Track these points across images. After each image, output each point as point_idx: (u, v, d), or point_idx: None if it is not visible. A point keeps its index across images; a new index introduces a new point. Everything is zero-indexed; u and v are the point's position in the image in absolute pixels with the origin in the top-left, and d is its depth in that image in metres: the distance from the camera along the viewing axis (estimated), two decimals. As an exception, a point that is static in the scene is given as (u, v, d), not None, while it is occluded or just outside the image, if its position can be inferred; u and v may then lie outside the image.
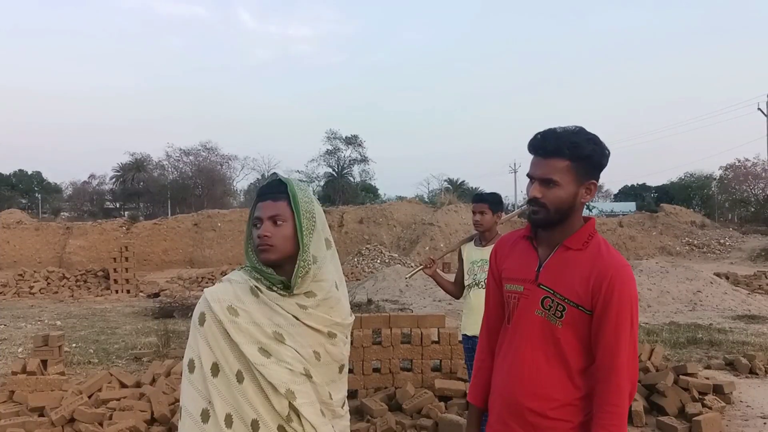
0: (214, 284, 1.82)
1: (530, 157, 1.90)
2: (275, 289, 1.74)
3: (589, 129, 1.89)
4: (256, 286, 1.74)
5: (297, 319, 1.73)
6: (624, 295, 1.78)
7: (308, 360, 1.74)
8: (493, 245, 4.11)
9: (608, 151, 1.87)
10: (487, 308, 2.15)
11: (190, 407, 1.67)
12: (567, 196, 1.83)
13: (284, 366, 1.69)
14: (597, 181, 1.87)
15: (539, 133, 1.88)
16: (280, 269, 1.74)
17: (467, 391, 2.20)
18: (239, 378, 1.67)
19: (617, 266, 1.81)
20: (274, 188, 1.77)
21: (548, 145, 1.84)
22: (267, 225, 1.72)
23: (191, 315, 1.81)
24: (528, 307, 1.90)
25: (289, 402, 1.69)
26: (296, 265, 1.72)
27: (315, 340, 1.76)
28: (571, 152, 1.81)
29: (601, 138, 1.88)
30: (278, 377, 1.68)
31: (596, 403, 1.81)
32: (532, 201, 1.87)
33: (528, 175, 1.90)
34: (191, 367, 1.68)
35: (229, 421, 1.64)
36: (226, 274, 1.96)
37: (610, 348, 1.77)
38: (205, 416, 1.65)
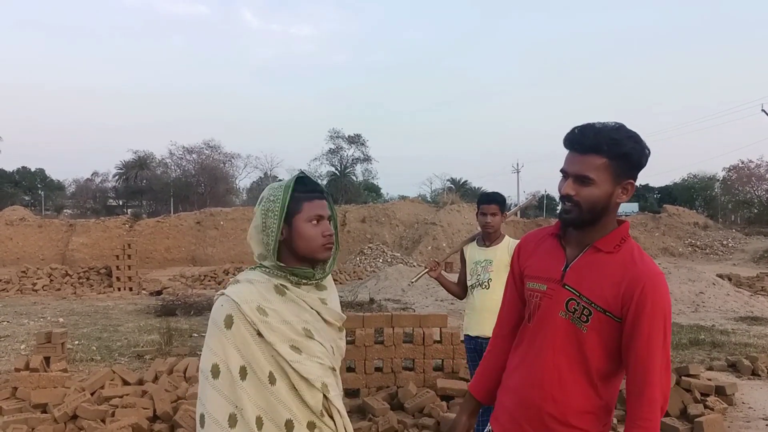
0: (224, 285, 1.83)
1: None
2: (303, 283, 1.78)
3: None
4: (281, 284, 1.75)
5: (319, 314, 1.79)
6: (657, 305, 1.69)
7: (330, 354, 1.80)
8: (497, 245, 4.14)
9: (649, 150, 1.78)
10: (503, 305, 2.10)
11: (215, 414, 1.61)
12: (602, 195, 1.75)
13: (316, 361, 1.73)
14: (635, 180, 1.78)
15: (577, 127, 1.79)
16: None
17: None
18: (271, 380, 1.65)
19: (651, 274, 1.72)
20: (318, 187, 1.83)
21: (586, 140, 1.75)
22: (328, 224, 1.81)
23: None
24: (551, 307, 1.83)
25: (324, 395, 1.72)
26: (331, 259, 1.85)
27: (330, 335, 1.83)
28: (609, 149, 1.72)
29: None
30: (314, 372, 1.71)
31: (628, 417, 1.74)
32: (564, 198, 1.78)
33: (562, 170, 1.81)
34: (215, 373, 1.62)
35: (260, 423, 1.63)
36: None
37: (643, 361, 1.69)
38: (233, 421, 1.61)
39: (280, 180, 1.91)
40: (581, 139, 1.76)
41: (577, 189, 1.75)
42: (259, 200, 1.82)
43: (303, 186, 1.79)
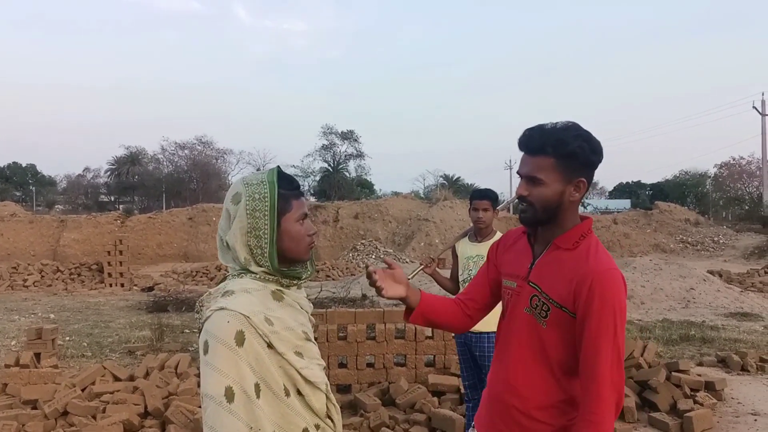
0: (216, 282, 1.72)
1: (521, 154, 1.88)
2: (293, 285, 1.71)
3: (583, 125, 1.83)
4: (278, 290, 1.66)
5: (307, 313, 1.76)
6: (606, 301, 1.70)
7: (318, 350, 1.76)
8: (489, 241, 4.15)
9: (600, 148, 1.81)
10: (471, 283, 2.14)
11: None
12: (553, 194, 1.78)
13: (315, 362, 1.69)
14: (588, 178, 1.81)
15: (527, 129, 1.83)
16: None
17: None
18: (286, 392, 1.58)
19: (601, 270, 1.74)
20: (297, 182, 1.73)
21: (533, 142, 1.80)
22: (310, 222, 1.72)
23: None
24: (519, 303, 1.89)
25: (326, 396, 1.70)
26: (312, 257, 1.77)
27: (310, 327, 1.78)
28: (555, 149, 1.76)
29: (596, 135, 1.83)
30: (319, 375, 1.67)
31: (579, 413, 1.76)
32: (520, 199, 1.85)
33: (517, 172, 1.88)
34: (230, 397, 1.47)
35: None
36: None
37: (591, 356, 1.71)
38: None
39: (253, 173, 1.73)
40: (529, 141, 1.81)
41: (529, 189, 1.80)
42: (233, 197, 1.65)
43: (284, 182, 1.67)
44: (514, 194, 2.07)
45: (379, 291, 1.85)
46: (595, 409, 1.70)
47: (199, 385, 1.60)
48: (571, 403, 1.81)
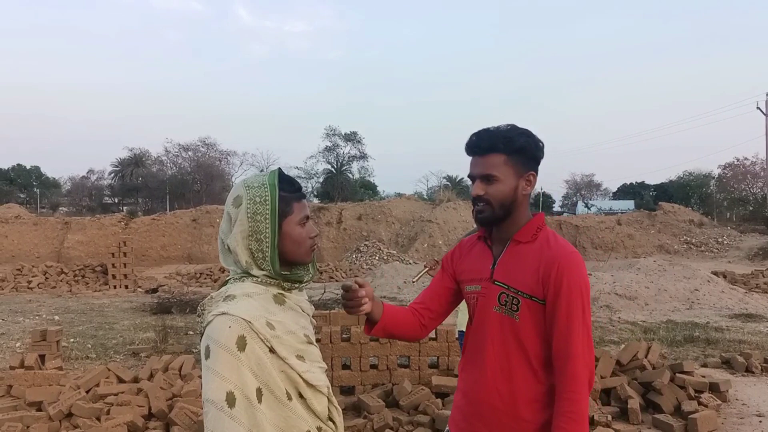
0: (219, 284, 1.69)
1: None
2: (295, 288, 1.70)
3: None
4: (279, 293, 1.65)
5: (309, 316, 1.75)
6: (573, 281, 1.80)
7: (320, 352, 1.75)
8: None
9: (542, 143, 1.92)
10: (426, 293, 2.13)
11: None
12: (508, 189, 1.87)
13: (317, 365, 1.68)
14: (536, 172, 1.92)
15: (473, 134, 1.92)
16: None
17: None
18: (288, 396, 1.58)
19: (565, 254, 1.83)
20: (299, 184, 1.71)
21: (483, 142, 1.88)
22: (312, 225, 1.71)
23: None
24: (487, 305, 1.92)
25: (328, 399, 1.69)
26: (314, 260, 1.76)
27: (312, 330, 1.77)
28: (505, 146, 1.86)
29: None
30: (321, 379, 1.67)
31: (556, 392, 1.81)
32: (476, 200, 1.91)
33: (469, 176, 1.94)
34: (231, 402, 1.47)
35: None
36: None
37: (564, 336, 1.79)
38: None
39: (254, 175, 1.71)
40: (479, 142, 1.89)
41: (485, 188, 1.88)
42: (234, 200, 1.64)
43: (285, 184, 1.66)
44: None
45: (354, 308, 1.83)
46: (573, 387, 1.77)
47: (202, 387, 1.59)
48: (550, 394, 1.84)
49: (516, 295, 1.85)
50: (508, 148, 1.86)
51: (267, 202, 1.61)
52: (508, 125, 1.91)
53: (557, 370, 1.81)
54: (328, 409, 1.70)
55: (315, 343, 1.74)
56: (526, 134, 1.89)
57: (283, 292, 1.66)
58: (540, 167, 1.95)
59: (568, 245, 1.89)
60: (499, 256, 1.93)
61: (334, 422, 1.72)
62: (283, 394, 1.56)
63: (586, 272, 1.86)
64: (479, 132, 1.91)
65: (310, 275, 1.74)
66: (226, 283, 1.68)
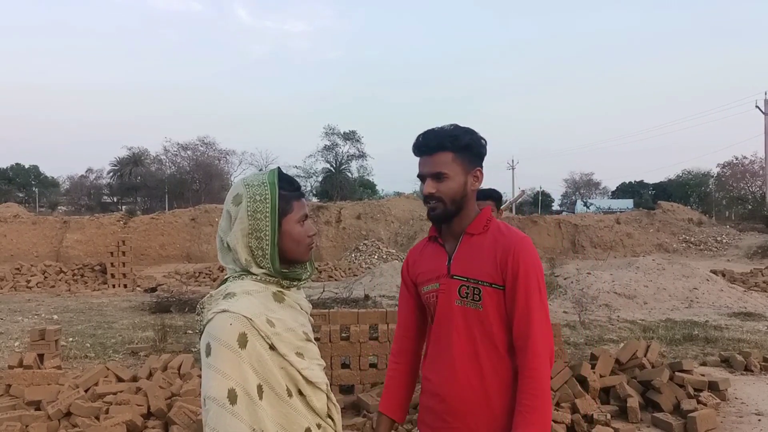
0: (218, 283, 1.64)
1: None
2: (293, 286, 1.71)
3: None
4: (279, 291, 1.66)
5: (307, 313, 1.76)
6: (529, 264, 1.89)
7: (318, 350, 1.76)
8: None
9: (485, 140, 2.00)
10: (399, 316, 2.18)
11: None
12: (458, 185, 1.94)
13: (316, 363, 1.69)
14: (481, 168, 2.00)
15: (420, 134, 1.99)
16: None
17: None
18: (288, 393, 1.59)
19: (519, 239, 1.93)
20: (298, 183, 1.74)
21: (431, 142, 1.95)
22: (311, 223, 1.73)
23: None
24: (447, 300, 1.96)
25: (327, 396, 1.70)
26: (311, 258, 1.77)
27: (310, 327, 1.78)
28: (452, 144, 1.92)
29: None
30: (320, 376, 1.68)
31: (519, 371, 1.87)
32: (427, 198, 1.96)
33: (419, 175, 2.00)
34: (233, 399, 1.47)
35: None
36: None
37: (525, 316, 1.86)
38: None
39: (253, 174, 1.72)
40: (427, 142, 1.96)
41: (436, 186, 1.94)
42: (234, 198, 1.65)
43: (284, 183, 1.68)
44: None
45: None
46: (533, 364, 1.84)
47: (202, 386, 1.58)
48: (516, 378, 1.91)
49: (477, 285, 1.91)
50: (455, 146, 1.93)
51: (267, 201, 1.62)
52: (452, 125, 1.98)
53: (519, 350, 1.88)
54: (327, 406, 1.71)
55: (313, 340, 1.74)
56: (470, 132, 1.97)
57: (282, 290, 1.67)
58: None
59: (520, 232, 1.98)
60: (454, 251, 1.99)
61: (332, 419, 1.73)
62: (283, 390, 1.57)
63: (538, 256, 1.96)
64: (426, 132, 1.98)
65: (308, 273, 1.76)
66: (225, 281, 1.68)
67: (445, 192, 1.93)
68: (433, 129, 1.98)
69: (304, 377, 1.62)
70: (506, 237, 1.93)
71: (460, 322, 1.93)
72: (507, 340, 1.91)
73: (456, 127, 1.97)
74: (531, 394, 1.81)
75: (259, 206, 1.62)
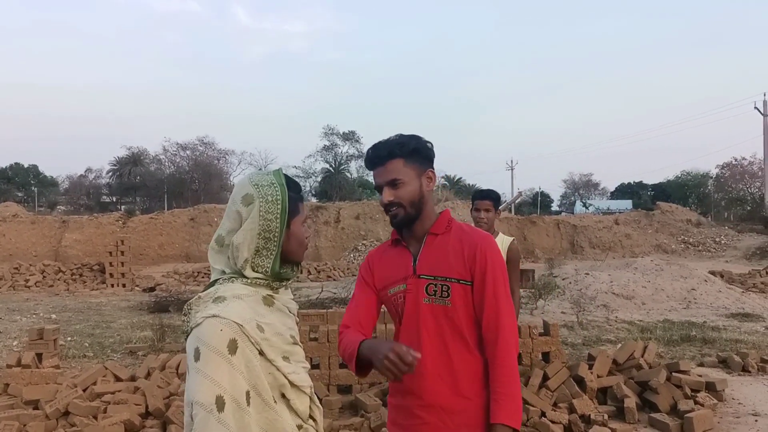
0: (212, 301, 1.58)
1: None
2: (282, 287, 1.72)
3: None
4: (269, 295, 1.66)
5: (294, 315, 1.76)
6: (495, 259, 2.00)
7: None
8: None
9: (431, 144, 2.11)
10: (355, 308, 2.12)
11: None
12: (414, 189, 2.03)
13: (301, 366, 1.70)
14: (433, 170, 2.10)
15: (369, 148, 2.09)
16: None
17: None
18: (275, 398, 1.59)
19: (483, 237, 2.04)
20: (299, 185, 1.77)
21: (381, 152, 2.04)
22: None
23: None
24: (415, 299, 2.02)
25: (310, 398, 1.71)
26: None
27: (296, 329, 1.78)
28: (401, 150, 2.02)
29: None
30: (306, 379, 1.69)
31: (489, 361, 1.96)
32: (388, 206, 2.03)
33: (376, 186, 2.08)
34: (220, 405, 1.47)
35: None
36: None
37: (494, 308, 1.96)
38: None
39: (257, 173, 1.71)
40: (377, 153, 2.05)
41: (394, 193, 2.02)
42: (244, 198, 1.64)
43: (291, 184, 1.71)
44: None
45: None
46: (503, 354, 1.93)
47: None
48: (486, 370, 1.99)
49: (445, 282, 1.99)
50: (404, 152, 2.02)
51: (278, 202, 1.64)
52: (397, 135, 2.08)
53: (488, 342, 1.97)
54: (310, 408, 1.72)
55: (299, 343, 1.75)
56: (416, 138, 2.07)
57: (271, 293, 1.67)
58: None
59: (482, 231, 2.10)
60: (419, 252, 2.06)
61: (314, 419, 1.73)
62: (269, 396, 1.57)
63: (500, 251, 2.10)
64: (375, 145, 2.08)
65: (295, 273, 1.78)
66: (213, 283, 1.67)
67: (403, 197, 2.01)
68: (380, 141, 2.07)
69: (289, 381, 1.62)
70: (470, 235, 2.04)
71: (429, 319, 1.99)
72: (475, 333, 1.99)
73: (401, 135, 2.07)
74: (505, 383, 1.91)
75: (270, 207, 1.63)
